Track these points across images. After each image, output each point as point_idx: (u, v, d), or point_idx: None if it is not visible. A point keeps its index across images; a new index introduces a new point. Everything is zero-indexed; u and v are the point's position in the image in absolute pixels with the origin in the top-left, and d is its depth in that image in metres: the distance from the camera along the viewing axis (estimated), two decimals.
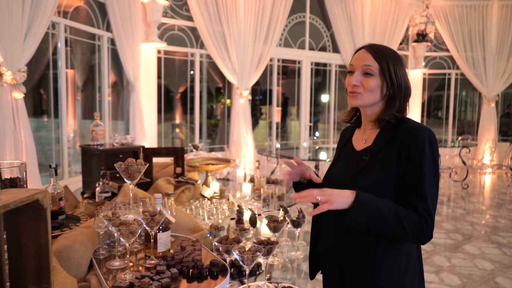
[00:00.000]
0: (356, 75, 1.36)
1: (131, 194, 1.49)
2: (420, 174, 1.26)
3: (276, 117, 8.04)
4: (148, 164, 1.48)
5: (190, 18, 6.44)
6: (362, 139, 1.45)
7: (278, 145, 7.66)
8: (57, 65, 4.57)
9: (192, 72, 6.83)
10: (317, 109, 8.76)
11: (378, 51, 1.35)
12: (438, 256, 4.14)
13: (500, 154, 8.46)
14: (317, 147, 7.94)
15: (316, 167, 6.54)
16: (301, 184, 1.61)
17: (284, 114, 8.87)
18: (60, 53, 4.53)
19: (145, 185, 2.54)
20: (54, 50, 4.57)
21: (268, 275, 1.69)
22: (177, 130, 7.77)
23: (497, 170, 8.06)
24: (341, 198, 1.21)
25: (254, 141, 7.26)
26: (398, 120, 1.35)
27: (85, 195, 2.65)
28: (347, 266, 1.39)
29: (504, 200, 6.72)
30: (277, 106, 8.02)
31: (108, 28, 5.32)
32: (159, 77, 6.30)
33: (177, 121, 7.70)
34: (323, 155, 6.65)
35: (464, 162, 7.74)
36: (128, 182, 1.44)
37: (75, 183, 4.30)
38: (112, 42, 5.40)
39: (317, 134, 8.77)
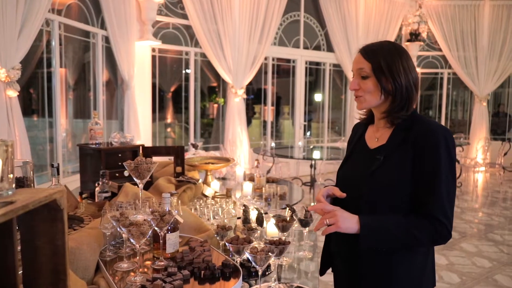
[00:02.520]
0: (354, 80, 1.38)
1: (140, 193, 1.44)
2: (435, 175, 1.24)
3: (271, 116, 8.01)
4: (157, 163, 1.44)
5: (185, 16, 6.38)
6: (375, 137, 1.42)
7: (273, 144, 7.64)
8: (51, 63, 4.49)
9: (188, 71, 6.76)
10: (310, 108, 8.74)
11: (369, 51, 1.34)
12: (436, 254, 4.12)
13: (492, 152, 8.54)
14: (311, 146, 7.93)
15: (312, 166, 6.53)
16: None
17: (277, 113, 8.85)
18: (54, 51, 4.44)
19: (145, 184, 2.49)
20: (46, 48, 4.48)
21: (275, 276, 1.66)
22: (169, 129, 7.70)
23: (490, 169, 8.13)
24: (347, 224, 1.25)
25: (249, 140, 7.23)
26: (412, 118, 1.33)
27: (83, 195, 2.59)
28: (361, 265, 1.37)
29: (497, 198, 6.78)
30: (272, 105, 8.00)
31: (103, 26, 5.25)
32: (153, 75, 6.23)
33: (169, 120, 7.64)
34: (316, 154, 6.66)
35: (457, 161, 7.80)
36: (137, 181, 1.39)
37: (70, 183, 4.22)
38: (107, 40, 5.32)
39: (308, 133, 8.73)
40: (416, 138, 1.28)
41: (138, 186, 2.12)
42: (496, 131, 9.98)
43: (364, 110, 1.51)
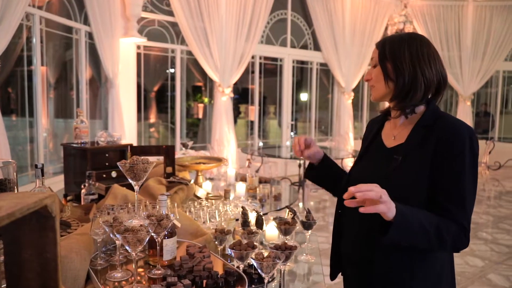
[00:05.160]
0: (368, 70, 1.33)
1: (136, 196, 1.32)
2: (458, 178, 1.15)
3: (257, 115, 7.92)
4: (154, 163, 1.33)
5: (170, 13, 6.23)
6: (392, 135, 1.33)
7: (261, 144, 7.55)
8: (32, 61, 4.28)
9: (172, 71, 6.61)
10: (296, 108, 8.66)
11: (382, 41, 1.30)
12: None
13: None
14: None
15: (300, 166, 6.46)
16: (313, 168, 1.59)
17: (263, 113, 8.75)
18: (35, 47, 4.25)
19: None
20: (26, 45, 4.28)
21: (276, 281, 1.57)
22: (152, 129, 7.53)
23: None
24: (392, 206, 1.06)
25: (237, 139, 7.12)
26: (434, 114, 1.24)
27: (68, 198, 2.45)
28: (373, 269, 1.28)
29: (483, 197, 6.83)
30: (259, 105, 7.90)
31: (86, 22, 5.06)
32: (138, 74, 6.06)
33: (152, 120, 7.47)
34: None
35: None
36: (132, 183, 1.28)
37: (52, 184, 4.03)
38: (90, 36, 5.14)
39: (292, 133, 8.64)
40: (438, 136, 1.18)
41: (127, 188, 2.01)
42: (477, 131, 10.11)
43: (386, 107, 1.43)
